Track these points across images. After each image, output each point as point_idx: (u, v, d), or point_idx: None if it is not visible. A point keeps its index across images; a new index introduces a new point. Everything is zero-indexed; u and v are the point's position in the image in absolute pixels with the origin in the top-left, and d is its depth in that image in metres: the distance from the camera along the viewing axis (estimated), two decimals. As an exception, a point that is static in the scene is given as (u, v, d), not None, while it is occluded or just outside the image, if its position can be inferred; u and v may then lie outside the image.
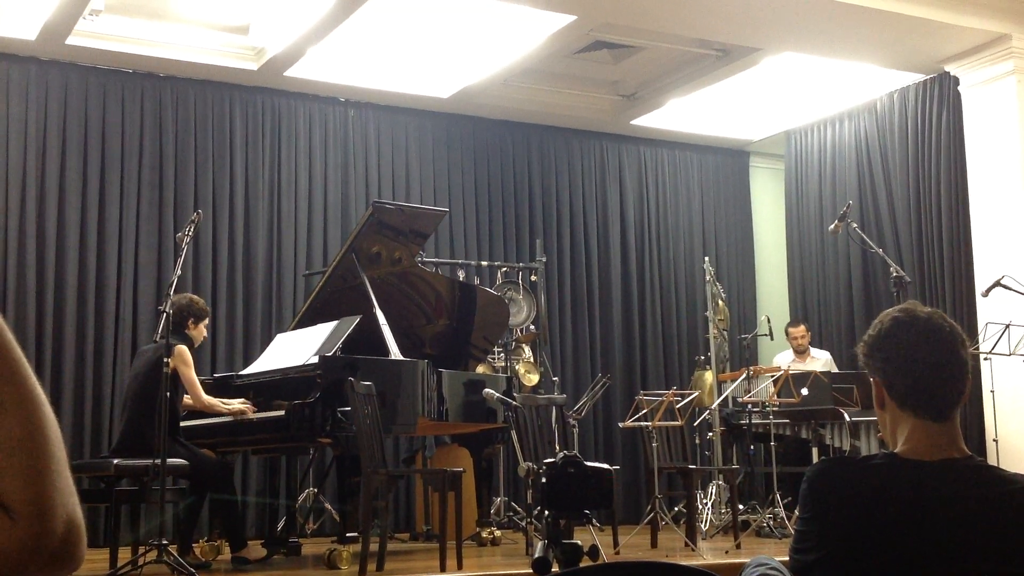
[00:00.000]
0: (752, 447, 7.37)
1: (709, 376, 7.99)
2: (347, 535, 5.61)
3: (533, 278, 8.20)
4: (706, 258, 8.45)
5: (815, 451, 7.33)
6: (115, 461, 5.23)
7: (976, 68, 7.89)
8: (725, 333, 8.16)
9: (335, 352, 5.50)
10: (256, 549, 5.63)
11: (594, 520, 5.85)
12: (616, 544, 5.99)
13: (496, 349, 7.51)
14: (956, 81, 8.12)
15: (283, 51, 7.66)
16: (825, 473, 1.94)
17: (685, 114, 9.35)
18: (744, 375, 7.39)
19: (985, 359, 6.85)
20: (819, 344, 8.96)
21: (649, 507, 6.41)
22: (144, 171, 7.86)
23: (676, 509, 7.73)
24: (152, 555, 4.81)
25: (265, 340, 7.44)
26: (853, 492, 1.87)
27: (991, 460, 6.87)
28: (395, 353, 5.64)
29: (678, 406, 6.43)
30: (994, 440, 7.21)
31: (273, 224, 8.27)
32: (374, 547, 5.06)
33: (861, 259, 8.98)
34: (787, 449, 7.85)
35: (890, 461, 1.90)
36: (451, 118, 9.02)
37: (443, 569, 5.00)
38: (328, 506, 7.46)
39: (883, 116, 8.87)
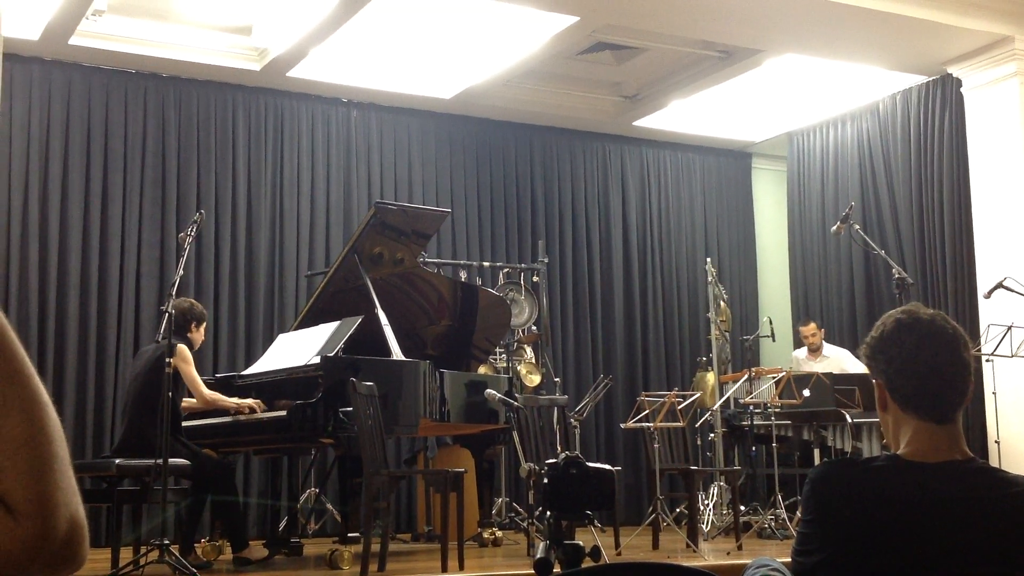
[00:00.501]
0: (754, 448, 7.37)
1: (711, 377, 7.99)
2: (349, 536, 5.62)
3: (535, 279, 8.19)
4: (708, 259, 8.44)
5: (817, 452, 7.33)
6: (117, 461, 5.23)
7: (979, 70, 7.89)
8: (727, 334, 8.16)
9: (337, 353, 5.50)
10: (258, 549, 5.62)
11: (596, 521, 5.85)
12: (618, 545, 5.98)
13: (498, 350, 7.50)
14: (959, 83, 8.11)
15: (286, 52, 7.67)
16: (828, 475, 1.94)
17: (687, 115, 9.36)
18: (746, 376, 7.38)
19: (987, 361, 6.84)
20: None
21: (651, 508, 6.41)
22: (147, 171, 7.87)
23: (678, 510, 7.72)
24: (154, 555, 4.81)
25: (267, 340, 7.44)
26: (855, 494, 1.87)
27: (993, 462, 6.86)
28: (397, 354, 5.63)
29: (680, 407, 6.42)
30: (996, 442, 7.21)
31: (275, 224, 8.28)
32: (375, 548, 5.06)
33: (863, 261, 8.98)
34: (789, 450, 7.85)
35: (893, 463, 1.90)
36: (453, 119, 9.02)
37: (444, 570, 4.99)
38: (330, 506, 7.46)
39: (885, 118, 8.87)
